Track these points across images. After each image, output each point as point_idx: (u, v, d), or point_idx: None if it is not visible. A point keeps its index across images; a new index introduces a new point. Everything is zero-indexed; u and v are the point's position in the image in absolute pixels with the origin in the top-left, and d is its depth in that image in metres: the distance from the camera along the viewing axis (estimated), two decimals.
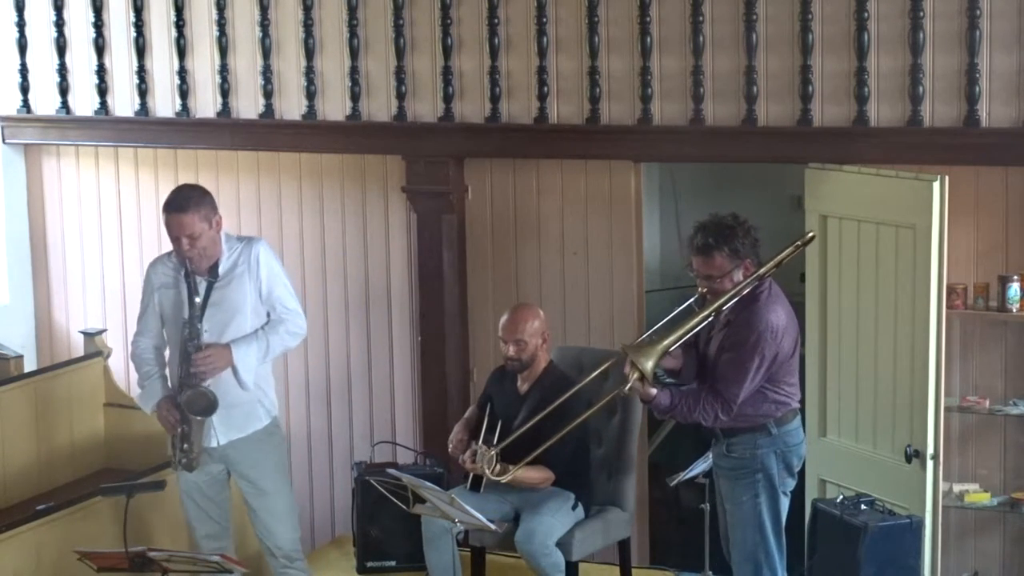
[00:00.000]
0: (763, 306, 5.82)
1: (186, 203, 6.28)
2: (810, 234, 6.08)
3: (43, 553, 6.56)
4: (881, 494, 6.78)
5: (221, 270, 6.36)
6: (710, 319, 5.86)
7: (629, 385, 5.73)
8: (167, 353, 6.52)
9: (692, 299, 5.95)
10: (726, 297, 5.80)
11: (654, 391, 5.78)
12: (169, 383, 6.46)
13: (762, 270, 5.85)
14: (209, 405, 6.27)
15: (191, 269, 6.31)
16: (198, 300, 6.27)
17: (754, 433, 5.89)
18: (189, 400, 6.27)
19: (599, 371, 6.03)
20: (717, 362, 5.87)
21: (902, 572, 6.56)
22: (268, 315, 6.46)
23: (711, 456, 6.18)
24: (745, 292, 5.82)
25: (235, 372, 6.33)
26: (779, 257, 5.91)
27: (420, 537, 6.65)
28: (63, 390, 8.06)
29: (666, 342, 5.76)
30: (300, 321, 6.53)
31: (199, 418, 6.31)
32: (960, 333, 7.16)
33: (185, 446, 6.34)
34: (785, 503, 6.05)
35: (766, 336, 5.77)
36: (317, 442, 8.56)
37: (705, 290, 5.90)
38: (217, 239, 6.35)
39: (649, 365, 5.70)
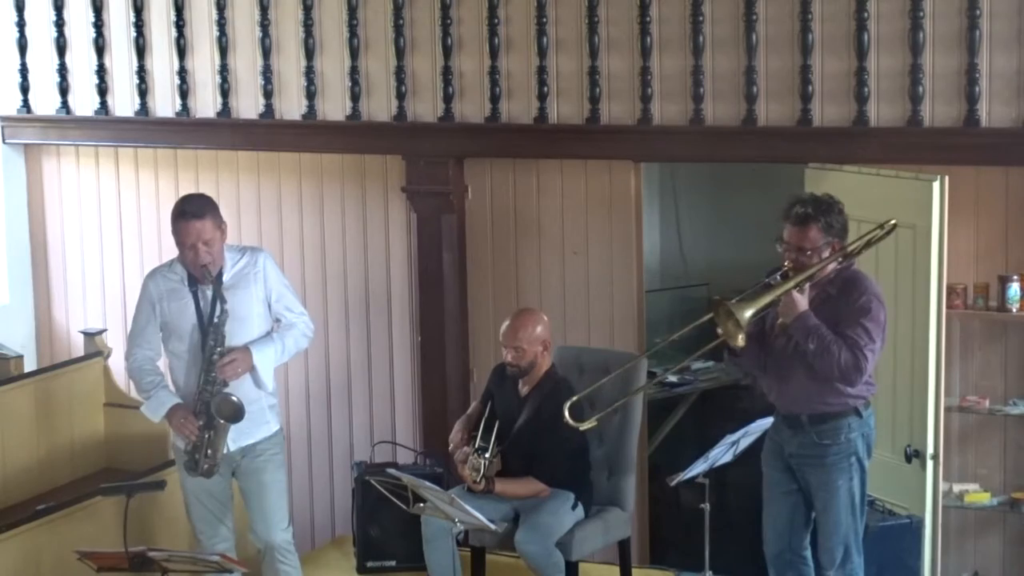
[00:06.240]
0: (862, 276, 5.93)
1: (202, 210, 6.28)
2: (892, 221, 6.07)
3: (43, 553, 6.56)
4: (881, 494, 6.79)
5: (225, 278, 6.36)
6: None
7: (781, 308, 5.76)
8: (161, 363, 6.52)
9: (777, 271, 5.92)
10: (815, 268, 5.83)
11: (804, 300, 5.77)
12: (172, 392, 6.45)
13: (852, 247, 5.95)
14: (236, 410, 6.25)
15: (200, 277, 6.31)
16: (226, 307, 6.26)
17: (846, 417, 5.92)
18: (218, 406, 6.24)
19: (702, 320, 5.93)
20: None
21: (902, 572, 6.57)
22: (275, 323, 6.49)
23: (784, 447, 6.06)
24: (830, 268, 5.87)
25: (255, 374, 6.36)
26: (867, 237, 6.01)
27: (420, 537, 6.65)
28: (63, 390, 8.05)
29: (762, 300, 5.76)
30: (310, 324, 6.61)
31: (225, 423, 6.28)
32: (960, 333, 7.16)
33: (208, 452, 6.32)
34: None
35: (877, 297, 5.85)
36: (317, 442, 8.56)
37: (790, 265, 5.90)
38: (223, 247, 6.37)
39: (748, 314, 5.69)
